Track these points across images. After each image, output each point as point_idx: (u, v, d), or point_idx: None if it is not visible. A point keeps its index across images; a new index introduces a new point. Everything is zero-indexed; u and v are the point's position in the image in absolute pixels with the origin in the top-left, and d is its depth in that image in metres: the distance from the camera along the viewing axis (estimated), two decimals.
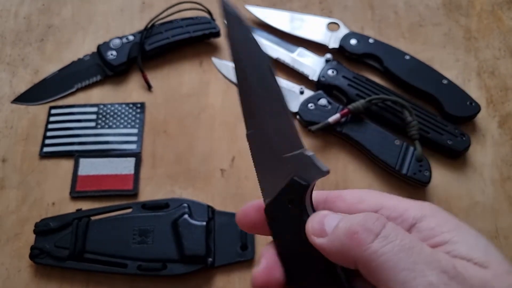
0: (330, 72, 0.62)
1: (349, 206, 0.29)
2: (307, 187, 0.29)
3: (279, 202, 0.29)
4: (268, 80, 0.29)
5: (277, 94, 0.29)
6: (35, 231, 0.52)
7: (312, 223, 0.27)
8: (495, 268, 0.24)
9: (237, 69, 0.30)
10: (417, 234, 0.26)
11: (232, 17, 0.28)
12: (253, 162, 0.30)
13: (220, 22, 0.68)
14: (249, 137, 0.31)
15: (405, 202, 0.28)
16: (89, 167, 0.58)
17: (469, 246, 0.26)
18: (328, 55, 0.63)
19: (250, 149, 0.31)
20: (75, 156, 0.59)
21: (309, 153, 0.28)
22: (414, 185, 0.56)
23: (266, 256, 0.29)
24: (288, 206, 0.28)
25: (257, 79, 0.29)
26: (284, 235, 0.29)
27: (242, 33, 0.29)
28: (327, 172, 0.28)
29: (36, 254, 0.51)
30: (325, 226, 0.26)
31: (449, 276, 0.23)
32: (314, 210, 0.29)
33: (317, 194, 0.30)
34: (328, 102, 0.60)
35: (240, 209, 0.31)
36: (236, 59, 0.29)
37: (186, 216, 0.52)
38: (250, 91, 0.30)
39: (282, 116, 0.29)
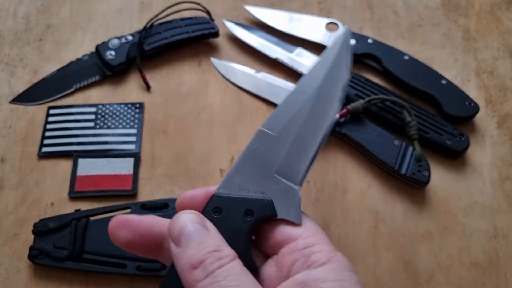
0: None
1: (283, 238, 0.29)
2: (271, 216, 0.29)
3: (236, 203, 0.29)
4: (329, 110, 0.31)
5: (325, 127, 0.30)
6: (33, 232, 0.52)
7: (175, 225, 0.27)
8: None
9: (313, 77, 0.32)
10: (301, 276, 0.26)
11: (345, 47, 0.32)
12: (243, 154, 0.31)
13: (219, 22, 0.68)
14: (260, 133, 0.31)
15: (324, 245, 0.28)
16: (88, 167, 0.58)
17: None
18: None
19: (251, 141, 0.31)
20: (74, 156, 0.59)
21: (299, 196, 0.29)
22: (413, 185, 0.56)
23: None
24: (241, 215, 0.29)
25: (324, 99, 0.31)
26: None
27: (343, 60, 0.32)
28: (299, 225, 0.29)
29: (35, 254, 0.51)
30: (182, 237, 0.26)
31: None
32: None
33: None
34: None
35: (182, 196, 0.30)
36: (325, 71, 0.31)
37: None
38: (306, 102, 0.31)
39: (308, 146, 0.30)
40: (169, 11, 0.66)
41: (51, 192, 0.57)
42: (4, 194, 0.57)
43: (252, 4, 0.70)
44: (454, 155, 0.58)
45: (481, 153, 0.59)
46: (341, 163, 0.59)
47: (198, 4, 0.67)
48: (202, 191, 0.30)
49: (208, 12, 0.67)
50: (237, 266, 0.26)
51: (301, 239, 0.28)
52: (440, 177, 0.57)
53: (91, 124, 0.61)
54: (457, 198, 0.56)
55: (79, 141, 0.60)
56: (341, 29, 0.33)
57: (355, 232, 0.54)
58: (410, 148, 0.56)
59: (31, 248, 0.51)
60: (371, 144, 0.57)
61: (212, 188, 0.30)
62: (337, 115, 0.31)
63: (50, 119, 0.62)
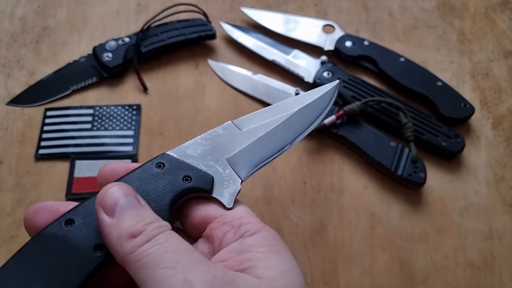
0: (325, 74, 0.63)
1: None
2: (206, 191, 0.31)
3: (180, 166, 0.31)
4: (290, 136, 0.34)
5: (283, 145, 0.34)
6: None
7: (107, 195, 0.27)
8: (274, 279, 0.25)
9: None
10: (235, 245, 0.27)
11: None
12: (206, 134, 0.33)
13: (216, 24, 0.68)
14: (229, 126, 0.34)
15: (252, 218, 0.30)
16: (85, 169, 0.58)
17: (268, 268, 0.26)
18: (324, 57, 0.64)
19: (218, 128, 0.33)
20: (71, 158, 0.59)
21: (239, 186, 0.31)
22: (409, 186, 0.57)
23: None
24: (180, 177, 0.30)
25: (291, 126, 0.34)
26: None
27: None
28: (228, 208, 0.30)
29: None
30: (117, 207, 0.26)
31: (213, 277, 0.24)
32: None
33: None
34: None
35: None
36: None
37: None
38: (278, 119, 0.34)
39: (264, 153, 0.33)
40: (166, 13, 0.66)
41: (48, 194, 0.57)
42: (1, 196, 0.57)
43: (248, 6, 0.71)
44: (450, 157, 0.58)
45: (477, 154, 0.59)
46: (337, 164, 0.59)
47: (195, 6, 0.67)
48: (124, 165, 0.31)
49: (205, 14, 0.68)
50: (175, 233, 0.26)
51: (227, 214, 0.30)
52: (435, 178, 0.58)
53: (88, 126, 0.61)
54: (453, 199, 0.57)
55: (76, 143, 0.60)
56: (333, 83, 0.37)
57: (352, 233, 0.55)
58: (406, 150, 0.57)
59: None
60: (367, 146, 0.57)
61: (133, 165, 0.31)
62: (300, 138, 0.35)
63: (47, 121, 0.62)
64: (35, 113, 0.62)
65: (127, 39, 0.65)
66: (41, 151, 0.59)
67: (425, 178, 0.55)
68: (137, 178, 0.30)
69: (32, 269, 0.27)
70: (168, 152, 0.31)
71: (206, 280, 0.23)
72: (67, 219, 0.28)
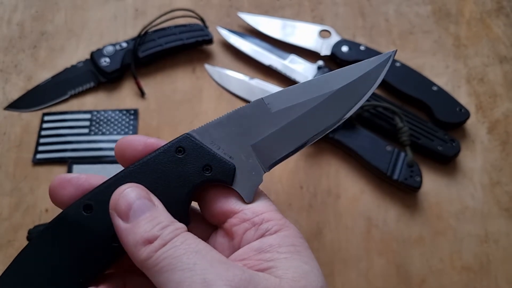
0: None
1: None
2: (226, 182, 0.29)
3: (201, 153, 0.29)
4: (333, 116, 0.31)
5: (321, 130, 0.30)
6: (28, 238, 0.52)
7: (121, 200, 0.27)
8: (295, 280, 0.25)
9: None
10: (256, 244, 0.27)
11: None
12: (232, 112, 0.30)
13: (213, 29, 0.68)
14: (259, 103, 0.30)
15: (274, 214, 0.28)
16: (82, 174, 0.58)
17: (289, 269, 0.26)
18: (320, 62, 0.64)
19: (246, 106, 0.30)
20: (68, 162, 0.59)
21: (261, 179, 0.29)
22: (406, 191, 0.57)
23: None
24: (200, 167, 0.28)
25: (334, 105, 0.30)
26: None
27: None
28: (247, 203, 0.29)
29: None
30: (130, 212, 0.26)
31: (233, 275, 0.24)
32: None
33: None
34: None
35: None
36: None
37: None
38: (317, 98, 0.31)
39: (296, 138, 0.30)
40: (163, 18, 0.67)
41: (45, 199, 0.57)
42: None
43: (245, 11, 0.71)
44: (446, 161, 0.59)
45: (472, 158, 0.60)
46: (334, 169, 0.59)
47: (192, 11, 0.68)
48: (142, 139, 0.30)
49: (202, 20, 0.68)
50: (191, 234, 0.26)
51: (248, 209, 0.28)
52: (431, 182, 0.58)
53: (86, 130, 0.61)
54: (449, 203, 0.57)
55: (74, 148, 0.60)
56: (388, 51, 0.31)
57: (348, 237, 0.55)
58: (402, 154, 0.57)
59: None
60: (363, 150, 0.58)
61: (152, 140, 0.30)
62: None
63: (45, 125, 0.62)
64: (32, 117, 0.63)
65: (124, 44, 0.65)
66: (39, 156, 0.60)
67: (421, 182, 0.56)
68: (155, 163, 0.29)
69: (50, 254, 0.27)
70: (191, 132, 0.29)
71: (225, 279, 0.23)
72: (86, 205, 0.28)
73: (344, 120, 0.30)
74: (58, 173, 0.58)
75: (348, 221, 0.56)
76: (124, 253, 0.27)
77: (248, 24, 0.69)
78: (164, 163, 0.29)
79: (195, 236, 0.26)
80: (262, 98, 0.30)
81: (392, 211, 0.56)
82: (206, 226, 0.30)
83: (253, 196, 0.29)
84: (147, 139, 0.30)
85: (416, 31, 0.70)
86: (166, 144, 0.29)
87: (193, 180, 0.28)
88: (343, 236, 0.55)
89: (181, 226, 0.26)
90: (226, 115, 0.30)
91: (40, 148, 0.60)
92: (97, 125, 0.62)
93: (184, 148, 0.29)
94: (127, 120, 0.62)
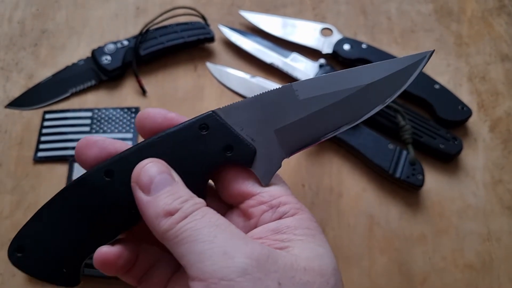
0: None
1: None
2: (245, 164, 0.29)
3: (225, 133, 0.29)
4: (362, 111, 0.31)
5: (347, 122, 0.31)
6: None
7: (143, 173, 0.27)
8: (309, 259, 0.26)
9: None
10: (273, 225, 0.28)
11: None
12: (259, 95, 0.30)
13: (214, 27, 0.68)
14: (288, 89, 0.30)
15: (290, 198, 0.29)
16: (83, 171, 0.58)
17: (304, 250, 0.27)
18: (322, 60, 0.64)
19: (274, 91, 0.30)
20: (70, 160, 0.59)
21: (280, 164, 0.29)
22: (408, 189, 0.57)
23: None
24: (221, 146, 0.29)
25: (365, 98, 0.30)
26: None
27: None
28: (265, 185, 0.29)
29: None
30: (152, 185, 0.27)
31: (252, 249, 0.24)
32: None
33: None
34: None
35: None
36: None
37: None
38: (348, 90, 0.31)
39: (320, 129, 0.30)
40: (164, 16, 0.66)
41: (46, 197, 0.56)
42: None
43: (247, 9, 0.71)
44: (448, 159, 0.59)
45: (474, 156, 0.60)
46: (336, 167, 0.59)
47: (194, 9, 0.68)
48: (162, 112, 0.30)
49: (203, 17, 0.68)
50: (211, 209, 0.27)
51: (266, 192, 0.29)
52: (433, 181, 0.58)
53: (87, 128, 0.61)
54: (451, 201, 0.57)
55: (75, 146, 0.60)
56: (427, 50, 0.30)
57: (350, 235, 0.55)
58: (404, 152, 0.57)
59: None
60: (365, 148, 0.58)
61: (172, 114, 0.30)
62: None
63: (46, 123, 0.62)
64: (33, 116, 0.62)
65: (126, 42, 0.65)
66: (40, 154, 0.59)
67: (423, 180, 0.55)
68: (178, 136, 0.29)
69: (68, 213, 0.28)
70: (216, 110, 0.29)
71: (245, 253, 0.24)
72: (108, 170, 0.28)
73: (369, 116, 0.30)
74: (59, 172, 0.58)
75: (350, 219, 0.56)
76: (139, 220, 0.28)
77: (250, 22, 0.69)
78: (187, 138, 0.29)
79: (215, 211, 0.27)
80: (291, 83, 0.30)
81: (394, 209, 0.56)
82: (220, 204, 0.31)
83: (269, 181, 0.29)
84: (167, 113, 0.30)
85: (418, 30, 0.70)
86: (191, 119, 0.29)
87: (214, 159, 0.29)
88: (345, 234, 0.55)
89: (201, 201, 0.27)
90: (253, 98, 0.30)
91: (41, 146, 0.60)
92: (98, 123, 0.62)
93: (208, 125, 0.29)
94: (129, 118, 0.62)
